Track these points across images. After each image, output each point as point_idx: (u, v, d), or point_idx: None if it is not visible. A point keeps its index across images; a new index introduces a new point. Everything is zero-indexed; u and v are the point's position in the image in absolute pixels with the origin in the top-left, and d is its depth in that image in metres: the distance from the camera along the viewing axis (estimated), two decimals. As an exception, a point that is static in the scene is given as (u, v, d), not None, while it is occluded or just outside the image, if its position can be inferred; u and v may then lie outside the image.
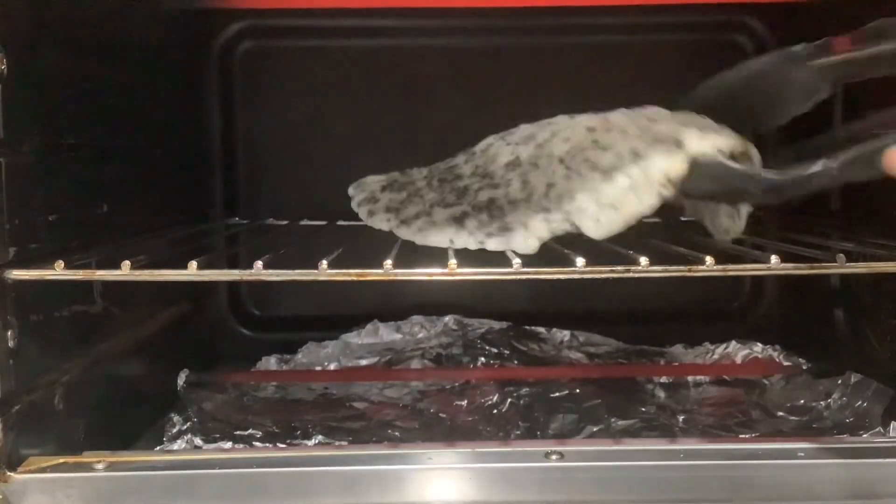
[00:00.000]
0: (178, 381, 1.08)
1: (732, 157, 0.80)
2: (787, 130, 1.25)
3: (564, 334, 1.26)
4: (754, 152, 0.81)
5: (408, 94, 1.29)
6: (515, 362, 1.19)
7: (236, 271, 0.76)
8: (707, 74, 1.27)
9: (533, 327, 1.27)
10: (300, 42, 1.29)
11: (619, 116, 0.89)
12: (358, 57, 1.29)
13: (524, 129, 1.00)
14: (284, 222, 1.20)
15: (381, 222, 0.95)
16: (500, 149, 0.99)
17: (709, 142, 0.78)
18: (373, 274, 0.74)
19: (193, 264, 0.73)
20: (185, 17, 1.20)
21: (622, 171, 0.79)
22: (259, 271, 0.74)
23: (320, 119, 1.29)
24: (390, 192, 1.01)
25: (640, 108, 0.89)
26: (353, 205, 1.01)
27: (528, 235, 0.80)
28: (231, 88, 1.29)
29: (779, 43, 1.26)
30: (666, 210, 0.82)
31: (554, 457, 0.72)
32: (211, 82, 1.28)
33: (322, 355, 1.23)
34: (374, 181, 1.05)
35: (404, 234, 0.91)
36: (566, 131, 0.92)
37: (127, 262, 0.73)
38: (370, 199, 1.00)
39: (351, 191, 1.04)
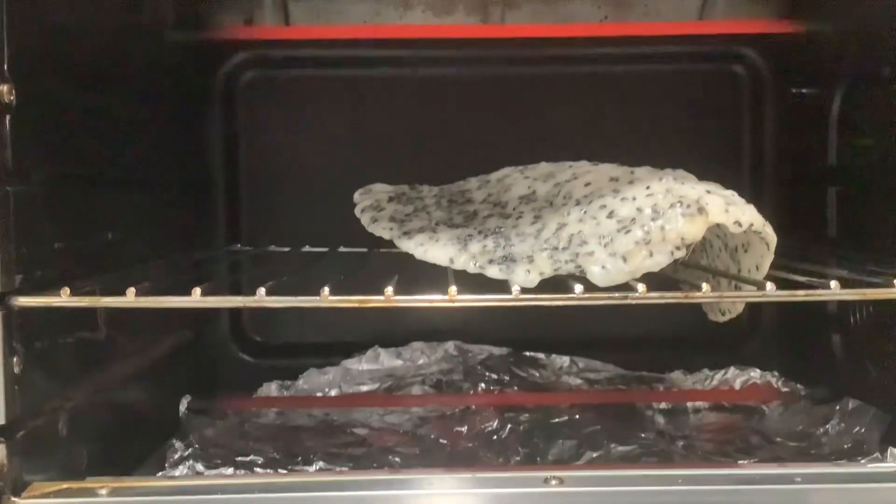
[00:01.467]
0: (180, 407, 1.09)
1: (748, 232, 0.81)
2: (782, 148, 1.28)
3: (564, 360, 1.26)
4: (769, 231, 0.82)
5: (410, 124, 1.30)
6: (515, 388, 1.19)
7: (239, 298, 0.77)
8: (703, 104, 1.30)
9: (533, 353, 1.27)
10: (303, 72, 1.31)
11: (644, 172, 0.90)
12: (360, 86, 1.30)
13: (544, 167, 1.02)
14: (286, 249, 1.21)
15: (383, 230, 0.96)
16: (517, 181, 1.00)
17: (731, 216, 0.79)
18: (374, 301, 0.75)
19: (197, 291, 0.74)
20: (189, 48, 1.22)
21: (639, 225, 0.79)
22: (262, 298, 0.74)
23: (322, 147, 1.30)
24: (397, 203, 1.02)
25: (669, 169, 0.91)
26: (357, 210, 1.02)
27: (532, 270, 0.81)
28: (234, 117, 1.30)
29: (774, 74, 1.29)
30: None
31: (553, 482, 0.73)
32: (214, 111, 1.29)
33: (323, 381, 1.24)
34: (381, 190, 1.06)
35: (405, 245, 0.92)
36: (588, 176, 0.93)
37: (132, 289, 0.74)
38: (375, 207, 1.01)
39: (356, 197, 1.05)
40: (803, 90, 1.23)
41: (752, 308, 1.28)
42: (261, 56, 1.30)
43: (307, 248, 1.19)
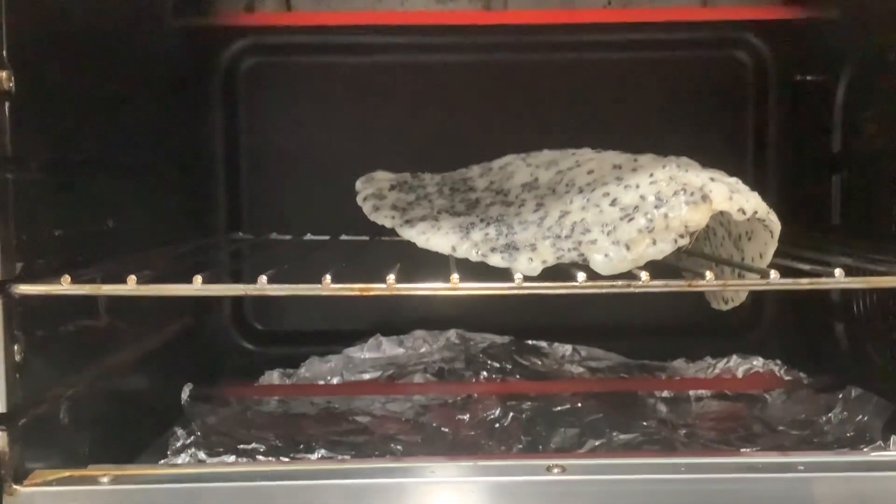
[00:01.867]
0: (182, 394, 1.08)
1: (752, 220, 0.81)
2: (786, 135, 1.27)
3: (566, 349, 1.26)
4: (773, 218, 0.81)
5: (412, 111, 1.29)
6: (517, 376, 1.19)
7: (240, 286, 0.77)
8: (707, 90, 1.29)
9: (535, 342, 1.27)
10: (304, 58, 1.30)
11: (647, 159, 0.90)
12: (361, 73, 1.30)
13: (547, 154, 1.02)
14: (288, 237, 1.21)
15: (385, 219, 0.96)
16: (519, 168, 1.00)
17: (734, 203, 0.78)
18: (376, 289, 0.75)
19: (198, 279, 0.74)
20: (189, 35, 1.21)
21: (642, 213, 0.79)
22: (263, 286, 0.74)
23: (323, 135, 1.29)
24: (399, 191, 1.02)
25: (672, 156, 0.90)
26: (359, 199, 1.02)
27: (534, 258, 0.80)
28: (235, 104, 1.29)
29: (778, 60, 1.28)
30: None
31: (556, 470, 0.73)
32: (215, 98, 1.28)
33: (325, 369, 1.23)
34: (383, 178, 1.06)
35: (407, 233, 0.91)
36: (591, 163, 0.93)
37: (132, 277, 0.73)
38: (377, 195, 1.00)
39: (358, 185, 1.05)
40: (807, 77, 1.22)
41: (754, 296, 1.28)
42: (262, 42, 1.29)
43: (309, 237, 1.19)
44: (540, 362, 1.24)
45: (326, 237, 1.17)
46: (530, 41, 1.28)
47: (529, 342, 1.27)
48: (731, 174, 0.85)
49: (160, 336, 1.07)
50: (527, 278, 0.76)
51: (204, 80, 1.28)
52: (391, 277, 0.75)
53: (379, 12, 1.26)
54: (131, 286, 0.73)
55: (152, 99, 1.08)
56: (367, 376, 1.22)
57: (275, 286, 0.74)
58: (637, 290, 0.74)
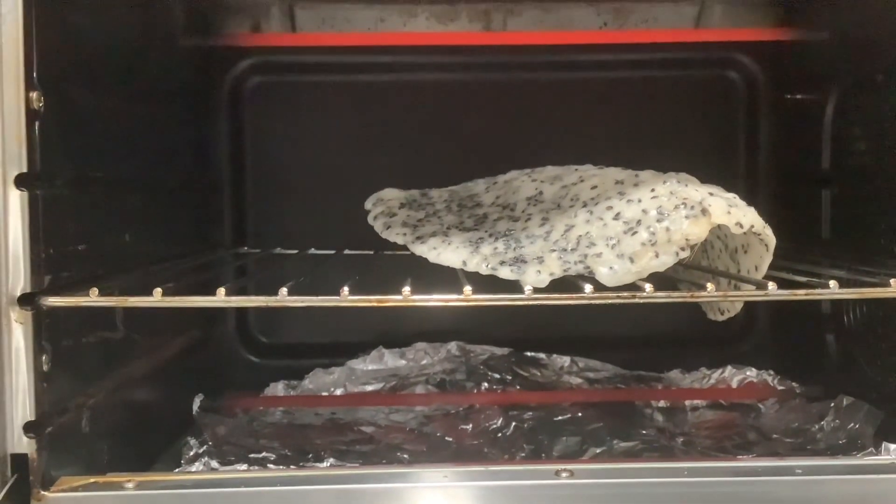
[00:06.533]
0: (194, 405, 1.10)
1: (749, 234, 0.84)
2: (777, 152, 1.31)
3: (564, 360, 1.28)
4: (769, 233, 0.85)
5: (414, 128, 1.32)
6: (517, 387, 1.21)
7: (262, 297, 0.79)
8: (700, 109, 1.33)
9: (534, 353, 1.29)
10: (308, 77, 1.33)
11: (648, 175, 0.93)
12: (364, 91, 1.32)
13: (551, 170, 1.05)
14: (293, 251, 1.23)
15: (397, 236, 0.98)
16: (524, 183, 1.03)
17: (732, 217, 0.82)
18: (392, 300, 0.77)
19: (221, 291, 0.76)
20: (199, 54, 1.24)
21: (645, 226, 0.82)
22: (284, 297, 0.77)
23: (327, 151, 1.32)
24: (409, 209, 1.05)
25: (672, 172, 0.94)
26: (370, 218, 1.04)
27: (542, 271, 0.83)
28: (240, 122, 1.32)
29: (769, 80, 1.32)
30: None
31: (564, 475, 0.75)
32: (222, 116, 1.31)
33: (328, 381, 1.25)
34: (392, 197, 1.08)
35: (418, 249, 0.94)
36: (593, 179, 0.96)
37: (158, 290, 0.76)
38: (387, 214, 1.03)
39: (368, 205, 1.07)
40: (797, 96, 1.26)
41: (748, 308, 1.30)
42: (267, 62, 1.31)
43: (313, 251, 1.21)
44: (539, 373, 1.26)
45: (331, 251, 1.19)
46: (529, 61, 1.31)
47: (528, 354, 1.29)
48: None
49: (171, 348, 1.10)
50: (536, 290, 0.79)
51: (211, 98, 1.30)
52: (407, 289, 0.78)
53: (382, 33, 1.29)
54: (157, 298, 0.76)
55: (163, 117, 1.10)
56: (369, 388, 1.24)
57: (295, 297, 0.77)
58: (642, 301, 0.77)
